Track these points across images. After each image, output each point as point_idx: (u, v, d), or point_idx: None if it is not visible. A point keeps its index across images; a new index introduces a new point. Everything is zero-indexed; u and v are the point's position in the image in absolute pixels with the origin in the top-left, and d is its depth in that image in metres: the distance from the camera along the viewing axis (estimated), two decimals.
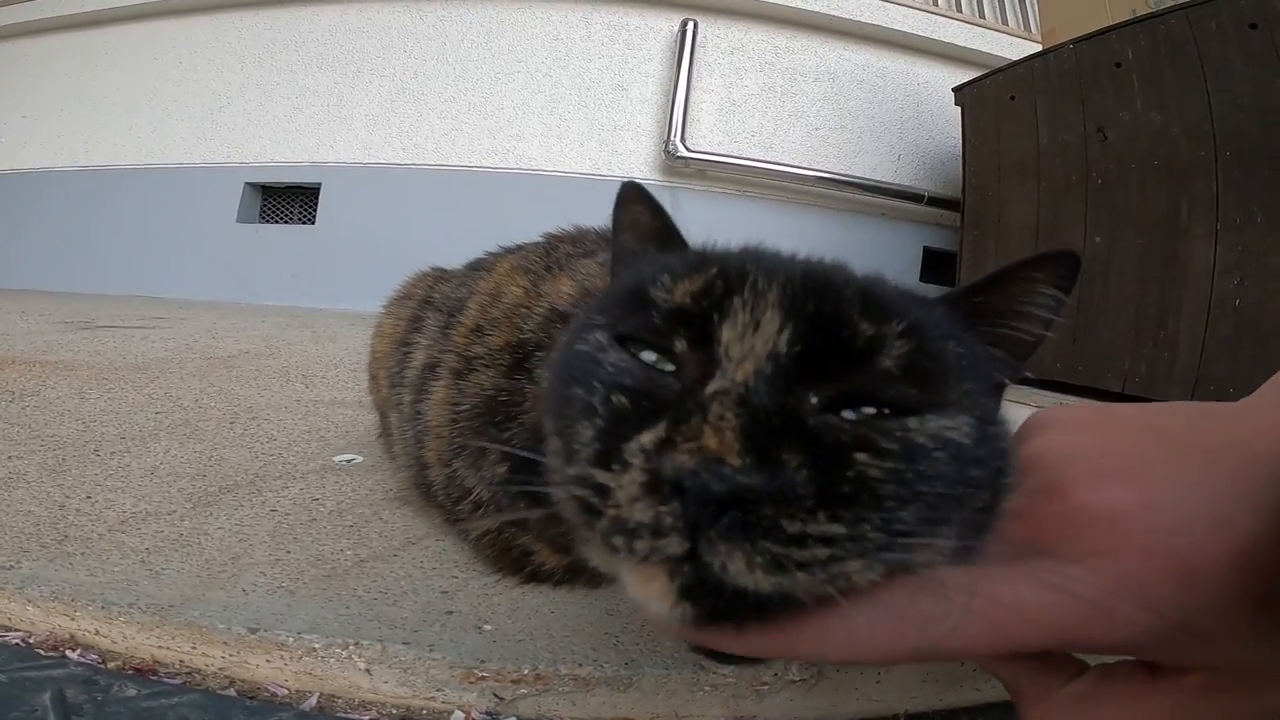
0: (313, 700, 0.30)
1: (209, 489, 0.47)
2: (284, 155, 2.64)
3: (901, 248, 2.32)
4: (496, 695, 0.29)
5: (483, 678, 0.29)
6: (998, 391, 0.25)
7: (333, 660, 0.30)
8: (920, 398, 0.20)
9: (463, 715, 0.29)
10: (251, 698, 0.30)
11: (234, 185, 2.58)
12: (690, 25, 2.29)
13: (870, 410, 0.19)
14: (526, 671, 0.29)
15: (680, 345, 0.20)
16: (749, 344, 0.19)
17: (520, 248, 0.49)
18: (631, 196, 0.29)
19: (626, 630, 0.32)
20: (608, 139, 2.42)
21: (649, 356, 0.21)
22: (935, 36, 2.19)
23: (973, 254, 1.86)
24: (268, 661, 0.31)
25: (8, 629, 0.33)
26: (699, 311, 0.20)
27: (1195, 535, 0.18)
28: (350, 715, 0.30)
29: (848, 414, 0.19)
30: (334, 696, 0.30)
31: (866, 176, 2.23)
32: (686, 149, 2.20)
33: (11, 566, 0.35)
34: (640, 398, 0.19)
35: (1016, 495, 0.21)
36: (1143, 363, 1.34)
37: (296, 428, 0.66)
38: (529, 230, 0.52)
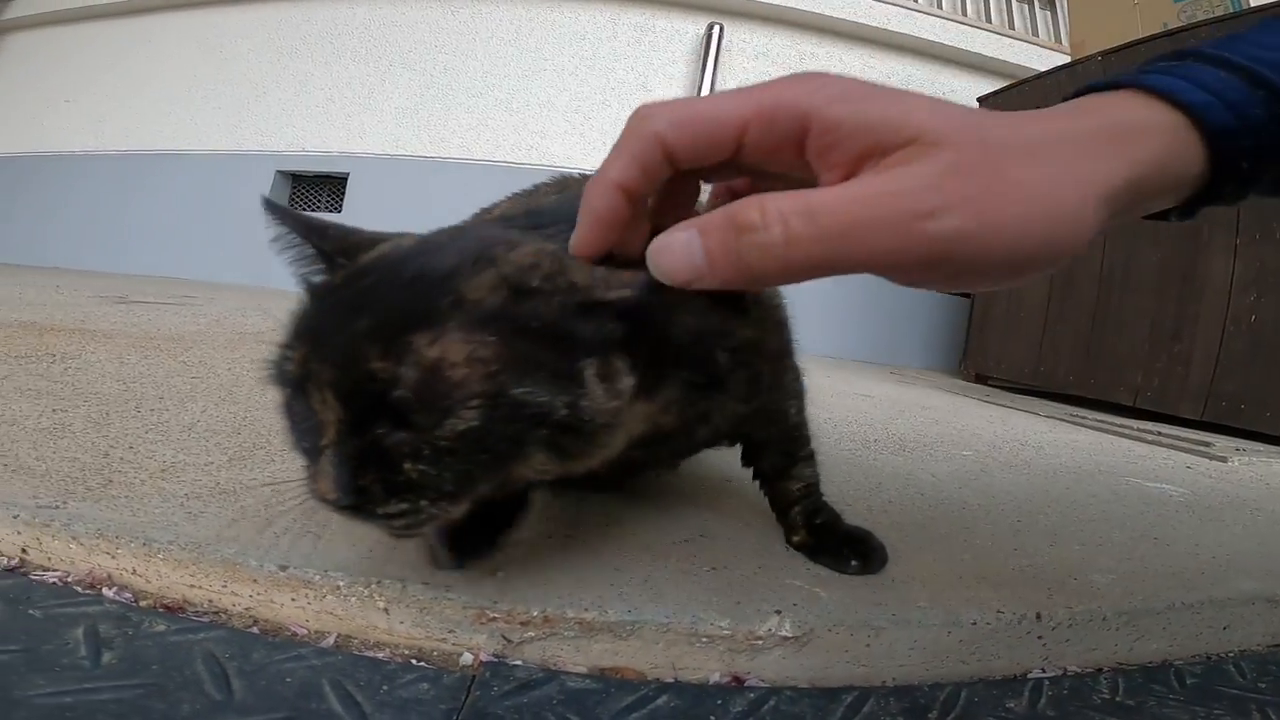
0: (330, 640, 0.32)
1: (243, 445, 0.50)
2: (315, 144, 2.71)
3: None
4: (505, 638, 0.31)
5: (494, 619, 0.31)
6: (610, 329, 0.29)
7: (354, 599, 0.32)
8: (428, 412, 0.27)
9: (471, 657, 0.31)
10: (274, 635, 0.32)
11: (265, 172, 2.65)
12: (716, 29, 2.31)
13: (424, 417, 0.27)
14: (535, 614, 0.31)
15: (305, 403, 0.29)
16: (327, 414, 0.28)
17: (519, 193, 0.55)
18: (268, 211, 0.34)
19: (631, 582, 0.34)
20: None
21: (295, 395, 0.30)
22: (963, 46, 2.19)
23: None
24: (292, 600, 0.33)
25: (46, 568, 0.36)
26: (297, 381, 0.29)
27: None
28: (365, 654, 0.32)
29: (401, 432, 0.28)
30: (350, 636, 0.32)
31: None
32: None
33: (58, 506, 0.37)
34: (306, 440, 0.30)
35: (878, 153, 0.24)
36: (1156, 377, 1.34)
37: None
38: None
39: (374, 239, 0.34)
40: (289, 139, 2.73)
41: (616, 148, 0.26)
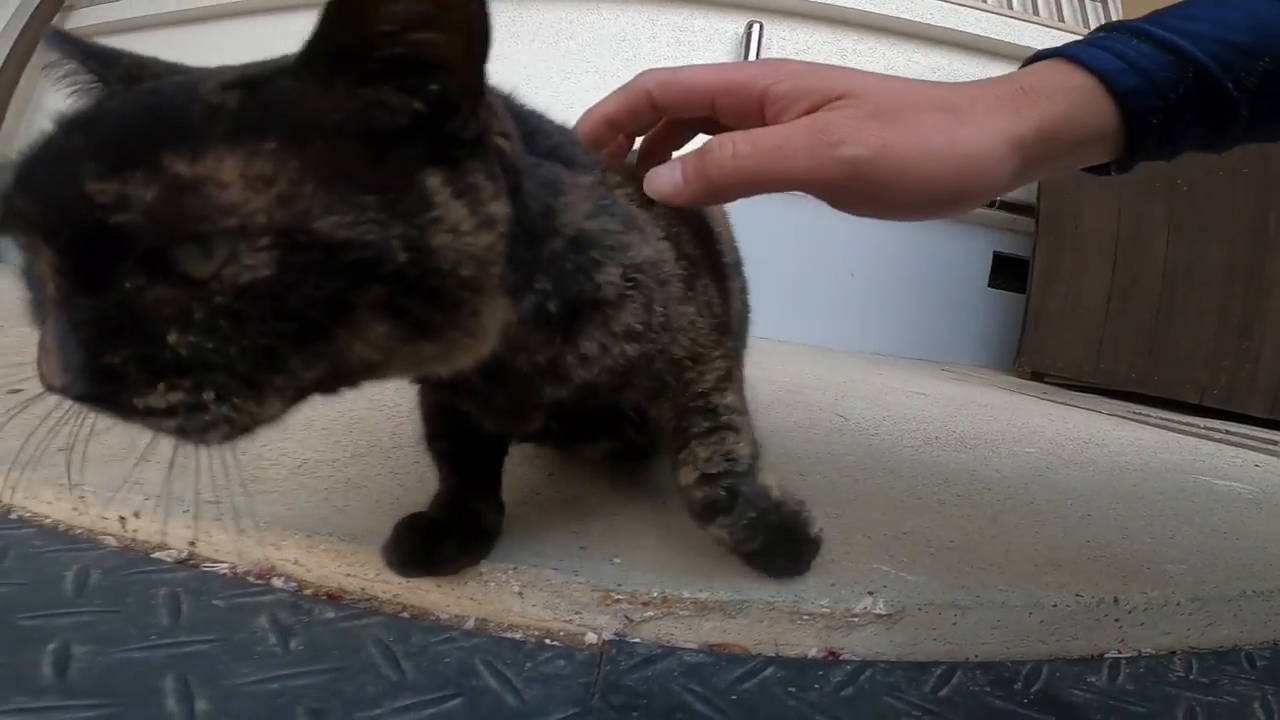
0: (470, 623, 0.37)
1: (359, 441, 0.56)
2: None
3: (970, 252, 2.30)
4: (627, 617, 0.36)
5: (618, 600, 0.36)
6: (431, 124, 0.24)
7: (493, 584, 0.37)
8: (179, 249, 0.20)
9: (595, 637, 0.36)
10: (422, 620, 0.37)
11: None
12: (756, 28, 2.34)
13: (195, 266, 0.20)
14: (655, 595, 0.35)
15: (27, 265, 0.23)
16: (44, 268, 0.21)
17: None
18: (46, 42, 0.28)
19: (734, 567, 0.38)
20: None
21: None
22: (1010, 40, 2.17)
23: (1047, 260, 1.85)
24: (437, 587, 0.38)
25: (215, 560, 0.41)
26: (5, 230, 0.21)
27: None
28: (503, 635, 0.36)
29: (165, 289, 0.20)
30: (486, 620, 0.37)
31: None
32: None
33: (219, 501, 0.43)
34: (35, 304, 0.23)
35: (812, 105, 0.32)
36: (1223, 375, 1.32)
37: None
38: None
39: (173, 69, 0.27)
40: None
41: (614, 91, 0.35)
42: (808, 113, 0.32)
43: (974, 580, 0.40)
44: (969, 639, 0.37)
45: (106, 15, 3.49)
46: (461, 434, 0.41)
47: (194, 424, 0.22)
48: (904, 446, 0.78)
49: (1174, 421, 1.23)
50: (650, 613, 0.36)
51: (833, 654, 0.35)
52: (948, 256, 2.29)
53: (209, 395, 0.21)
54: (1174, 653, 0.40)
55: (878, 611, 0.35)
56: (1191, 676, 0.38)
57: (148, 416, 0.21)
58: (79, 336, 0.20)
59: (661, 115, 0.35)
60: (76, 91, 0.27)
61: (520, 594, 0.37)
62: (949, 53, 2.25)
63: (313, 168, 0.21)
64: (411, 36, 0.22)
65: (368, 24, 0.22)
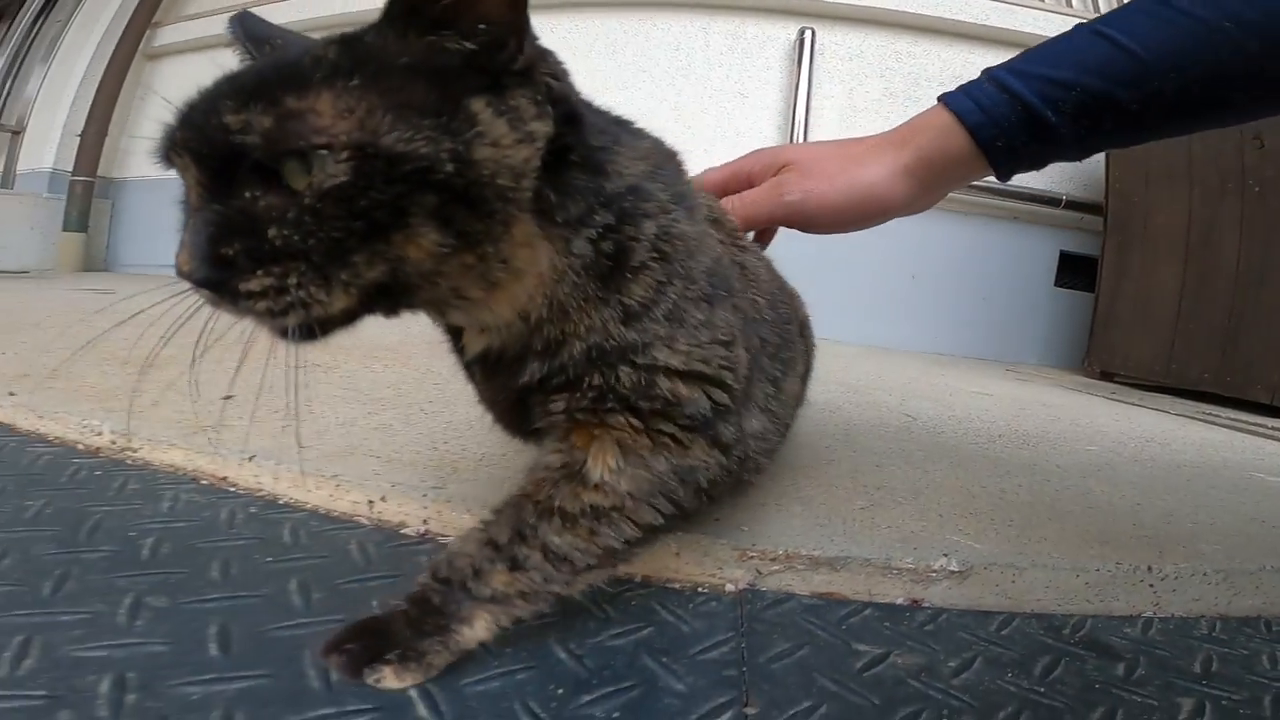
0: (638, 578, 0.50)
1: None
2: None
3: (1036, 252, 2.32)
4: (758, 570, 0.48)
5: (751, 557, 0.48)
6: (481, 58, 0.29)
7: (657, 548, 0.50)
8: (298, 155, 0.26)
9: (733, 587, 0.49)
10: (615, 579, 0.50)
11: None
12: (808, 34, 2.41)
13: (296, 179, 0.27)
14: (780, 552, 0.48)
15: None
16: (189, 178, 0.29)
17: None
18: (231, 25, 0.37)
19: (838, 532, 0.50)
20: (732, 145, 2.57)
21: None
22: None
23: (1115, 260, 1.88)
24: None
25: (443, 536, 0.52)
26: (163, 148, 0.29)
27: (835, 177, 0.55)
28: (665, 586, 0.49)
29: (273, 197, 0.27)
30: (650, 576, 0.50)
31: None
32: None
33: (441, 486, 0.58)
34: (182, 218, 0.30)
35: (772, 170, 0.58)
36: None
37: None
38: None
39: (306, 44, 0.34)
40: None
41: (721, 167, 0.62)
42: (770, 178, 0.57)
43: (1030, 549, 0.51)
44: (1025, 594, 0.48)
45: (186, 34, 3.77)
46: None
47: (278, 304, 0.27)
48: (969, 444, 0.88)
49: (1243, 422, 1.27)
50: (775, 567, 0.48)
51: (915, 602, 0.47)
52: (1012, 256, 2.31)
53: (291, 281, 0.27)
54: (1202, 617, 0.50)
55: (951, 569, 0.47)
56: (1214, 634, 0.48)
57: (246, 299, 0.27)
58: (207, 233, 0.27)
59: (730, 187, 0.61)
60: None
61: (677, 554, 0.49)
62: (1008, 52, 2.26)
63: (384, 99, 0.27)
64: None
65: None
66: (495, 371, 0.38)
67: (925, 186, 0.54)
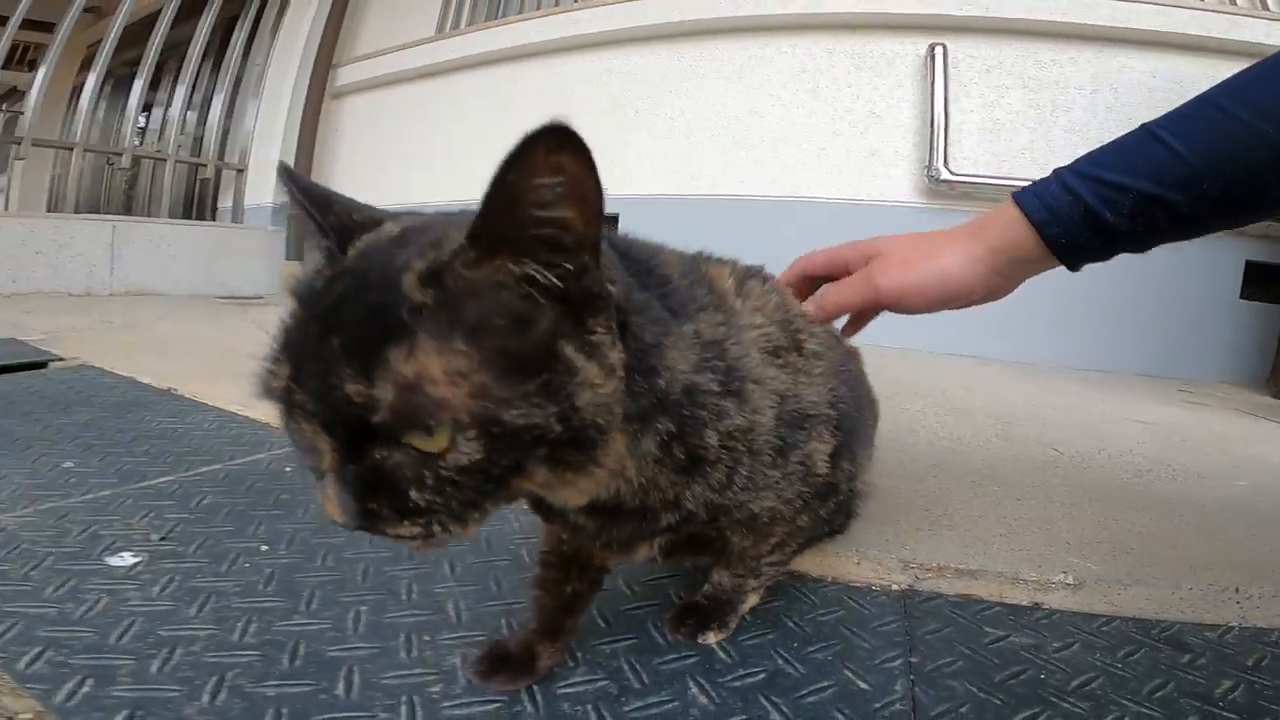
0: (829, 579, 0.74)
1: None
2: None
3: (1218, 262, 2.27)
4: (916, 576, 0.71)
5: (911, 567, 0.72)
6: (570, 300, 0.31)
7: (843, 558, 0.74)
8: (419, 432, 0.30)
9: (897, 587, 0.72)
10: (801, 582, 0.75)
11: None
12: (939, 49, 2.46)
13: (419, 441, 0.30)
14: (934, 564, 0.71)
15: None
16: (320, 442, 0.31)
17: None
18: (282, 180, 0.38)
19: (982, 551, 0.72)
20: (866, 165, 2.70)
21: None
22: (1238, 37, 2.09)
23: None
24: (812, 562, 0.76)
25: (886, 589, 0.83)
26: (287, 407, 0.32)
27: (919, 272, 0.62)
28: (847, 585, 0.73)
29: (400, 455, 0.30)
30: (837, 578, 0.74)
31: None
32: (950, 172, 2.40)
33: (890, 539, 0.85)
34: (310, 459, 0.33)
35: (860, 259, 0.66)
36: None
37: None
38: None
39: (374, 219, 0.37)
40: None
41: (823, 253, 0.69)
42: (863, 266, 0.65)
43: (1138, 570, 0.70)
44: (1128, 603, 0.67)
45: (358, 75, 4.39)
46: (563, 582, 0.54)
47: (426, 544, 0.33)
48: (1113, 480, 1.04)
49: None
50: (929, 575, 0.71)
51: (1036, 604, 0.68)
52: (1191, 267, 2.26)
53: (436, 528, 0.33)
54: (1278, 629, 0.66)
55: (1068, 582, 0.68)
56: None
57: (397, 539, 0.33)
58: (349, 492, 0.31)
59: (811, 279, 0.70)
60: (311, 233, 0.36)
61: (858, 563, 0.74)
62: (1166, 54, 2.22)
63: (490, 360, 0.29)
64: (548, 213, 0.29)
65: (516, 205, 0.29)
66: (620, 519, 0.43)
67: (1000, 275, 0.60)
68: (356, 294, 0.31)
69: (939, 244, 0.62)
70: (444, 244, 0.31)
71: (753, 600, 0.60)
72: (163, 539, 0.72)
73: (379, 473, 0.31)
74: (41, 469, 0.90)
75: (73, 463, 0.93)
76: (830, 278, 0.68)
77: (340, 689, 0.49)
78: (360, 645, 0.55)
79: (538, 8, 3.88)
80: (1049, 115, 2.35)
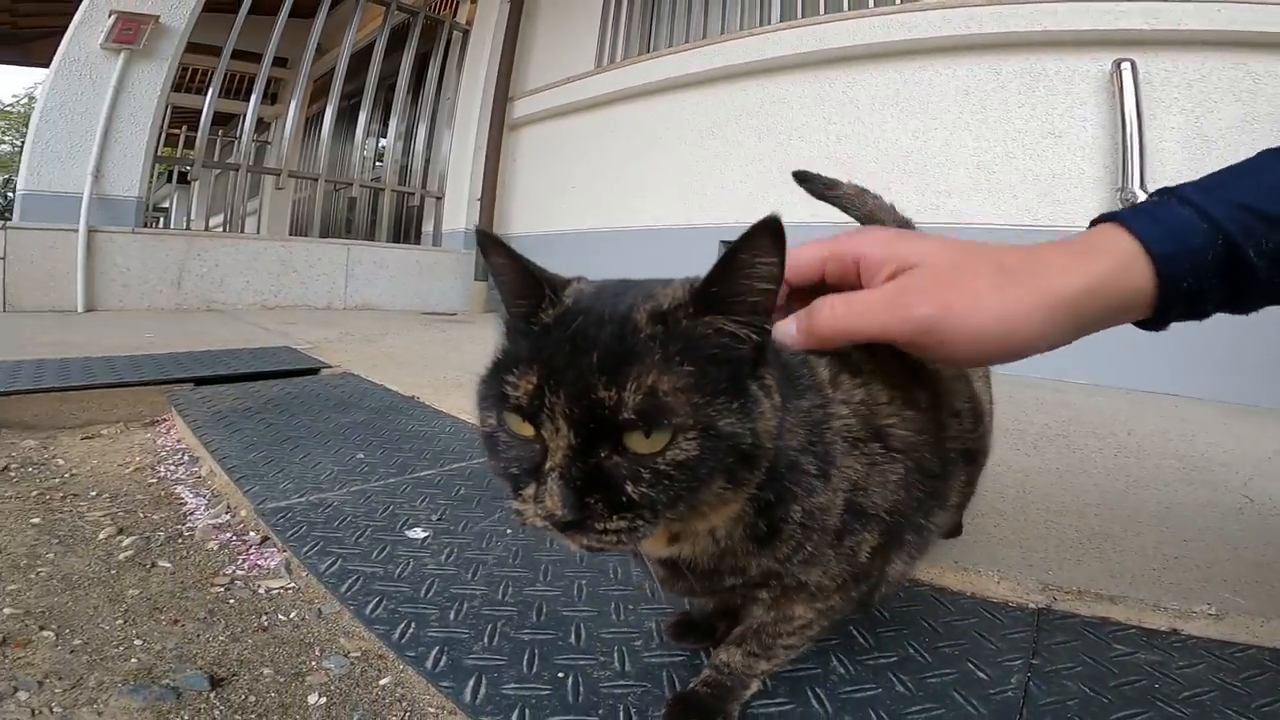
0: (969, 593, 0.85)
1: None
2: (743, 216, 3.37)
3: None
4: (1054, 597, 0.82)
5: (1050, 588, 0.81)
6: (757, 346, 0.40)
7: (984, 577, 0.85)
8: (656, 429, 0.36)
9: (1033, 605, 0.82)
10: (956, 596, 0.88)
11: (709, 243, 3.46)
12: (1126, 65, 2.39)
13: (639, 444, 0.37)
14: (1073, 588, 0.80)
15: (529, 426, 0.39)
16: (556, 440, 0.38)
17: None
18: (487, 245, 0.42)
19: (1128, 581, 0.81)
20: (1045, 188, 2.65)
21: (517, 421, 0.39)
22: None
23: None
24: (964, 580, 0.89)
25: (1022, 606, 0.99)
26: (530, 411, 0.38)
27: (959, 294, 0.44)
28: (989, 601, 0.84)
29: (621, 455, 0.37)
30: (976, 594, 0.85)
31: None
32: (1146, 193, 2.28)
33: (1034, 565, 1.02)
34: (522, 464, 0.40)
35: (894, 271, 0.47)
36: None
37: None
38: None
39: (562, 280, 0.44)
40: (723, 212, 3.61)
41: (819, 244, 0.51)
42: (890, 278, 0.45)
43: (1271, 608, 0.75)
44: (1270, 635, 0.72)
45: (530, 108, 4.86)
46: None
47: (626, 539, 0.38)
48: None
49: None
50: (1067, 597, 0.81)
51: (1174, 630, 0.76)
52: None
53: (640, 523, 0.38)
54: None
55: (1210, 612, 0.75)
56: None
57: (601, 535, 0.38)
58: (571, 487, 0.37)
59: (792, 286, 0.51)
60: (506, 295, 0.43)
61: (998, 582, 0.85)
62: None
63: (704, 384, 0.38)
64: (758, 285, 0.39)
65: (738, 275, 0.39)
66: (690, 574, 0.49)
67: (1077, 325, 0.44)
68: (598, 325, 0.39)
69: (1013, 272, 0.44)
70: (658, 297, 0.40)
71: (755, 688, 0.58)
72: (439, 519, 1.02)
73: (600, 470, 0.38)
74: (342, 458, 1.26)
75: (363, 454, 1.29)
76: (823, 284, 0.50)
77: (572, 638, 0.70)
78: (584, 608, 0.77)
79: (686, 40, 4.17)
80: (1270, 129, 2.18)
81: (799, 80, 3.48)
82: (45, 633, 0.74)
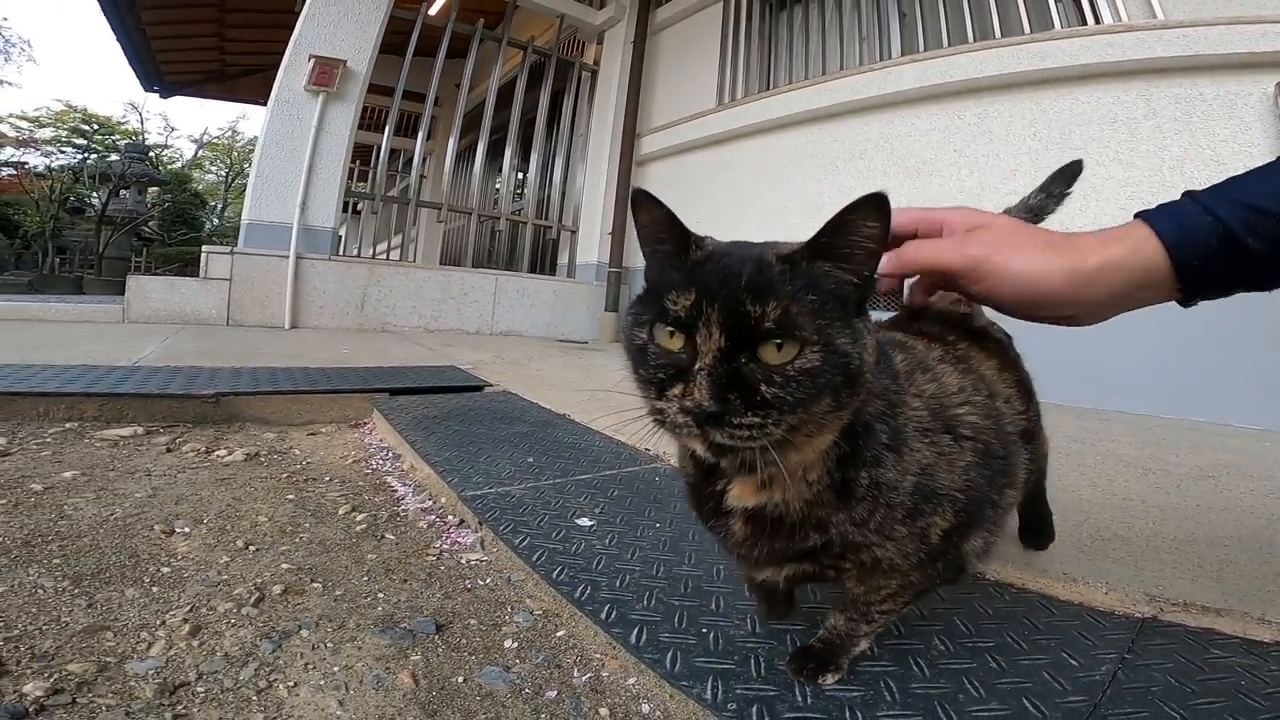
0: (1077, 601, 0.94)
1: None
2: None
3: None
4: (1160, 608, 0.89)
5: (1157, 600, 0.89)
6: (860, 290, 0.50)
7: (1090, 587, 0.94)
8: (789, 340, 0.45)
9: (1139, 615, 0.89)
10: (1058, 601, 0.97)
11: None
12: None
13: (771, 355, 0.46)
14: (1181, 600, 0.87)
15: (681, 336, 0.48)
16: (708, 344, 0.46)
17: None
18: (640, 200, 0.51)
19: (1238, 599, 0.87)
20: None
21: (668, 332, 0.48)
22: None
23: None
24: (1069, 589, 0.97)
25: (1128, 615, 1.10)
26: (688, 321, 0.47)
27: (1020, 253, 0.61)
28: (1093, 609, 0.92)
29: (756, 363, 0.46)
30: (1083, 604, 0.93)
31: None
32: None
33: (1145, 579, 1.13)
34: (670, 369, 0.48)
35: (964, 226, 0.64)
36: None
37: None
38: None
39: (699, 236, 0.52)
40: None
41: (917, 210, 0.69)
42: (960, 233, 0.63)
43: None
44: None
45: (654, 145, 5.13)
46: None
47: (754, 437, 0.46)
48: None
49: None
50: (1174, 608, 0.89)
51: (1278, 642, 0.82)
52: None
53: (770, 420, 0.46)
54: None
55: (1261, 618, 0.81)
56: None
57: (735, 429, 0.46)
58: (718, 382, 0.45)
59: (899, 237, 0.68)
60: (653, 242, 0.53)
61: (1106, 593, 0.94)
62: None
63: (825, 311, 0.47)
64: (865, 245, 0.48)
65: (844, 232, 0.48)
66: (770, 533, 0.57)
67: (1104, 297, 0.58)
68: (740, 262, 0.48)
69: (1053, 241, 0.60)
70: (781, 246, 0.50)
71: (863, 645, 0.70)
72: (600, 512, 1.24)
73: (739, 373, 0.46)
74: (516, 461, 1.52)
75: (532, 459, 1.55)
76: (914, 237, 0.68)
77: (713, 606, 0.88)
78: (723, 585, 0.94)
79: (805, 77, 4.32)
80: None
81: (925, 113, 3.53)
82: (315, 584, 0.96)
